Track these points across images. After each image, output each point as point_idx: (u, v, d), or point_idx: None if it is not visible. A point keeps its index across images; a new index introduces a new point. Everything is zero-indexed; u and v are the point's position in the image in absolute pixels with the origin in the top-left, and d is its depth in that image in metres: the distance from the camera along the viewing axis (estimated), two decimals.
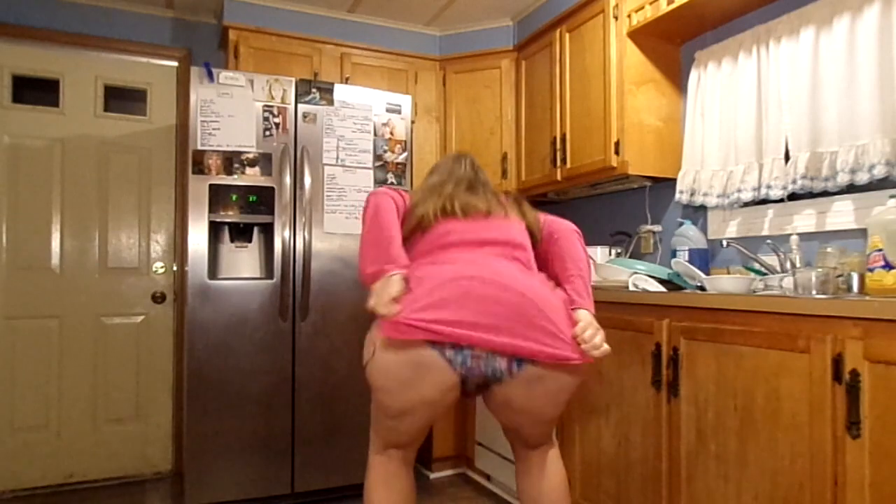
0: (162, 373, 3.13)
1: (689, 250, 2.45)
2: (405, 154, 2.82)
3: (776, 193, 2.18)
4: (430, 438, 3.00)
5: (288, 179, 2.59)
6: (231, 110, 2.53)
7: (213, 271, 2.53)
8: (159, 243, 3.15)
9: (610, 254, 2.90)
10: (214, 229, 2.55)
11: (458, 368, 1.46)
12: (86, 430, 2.98)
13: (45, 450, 2.90)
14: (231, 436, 2.48)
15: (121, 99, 3.12)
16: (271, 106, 2.60)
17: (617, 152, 2.55)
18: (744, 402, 1.60)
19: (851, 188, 2.00)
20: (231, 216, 2.53)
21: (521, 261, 1.61)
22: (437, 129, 3.39)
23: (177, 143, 3.18)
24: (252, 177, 2.55)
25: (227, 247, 2.62)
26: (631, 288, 2.22)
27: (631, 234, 2.91)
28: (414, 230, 1.65)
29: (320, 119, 2.67)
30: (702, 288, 2.16)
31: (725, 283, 2.01)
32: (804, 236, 2.16)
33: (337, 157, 2.69)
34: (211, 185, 2.49)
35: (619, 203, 3.06)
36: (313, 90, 2.67)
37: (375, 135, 2.77)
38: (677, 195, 2.53)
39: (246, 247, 2.65)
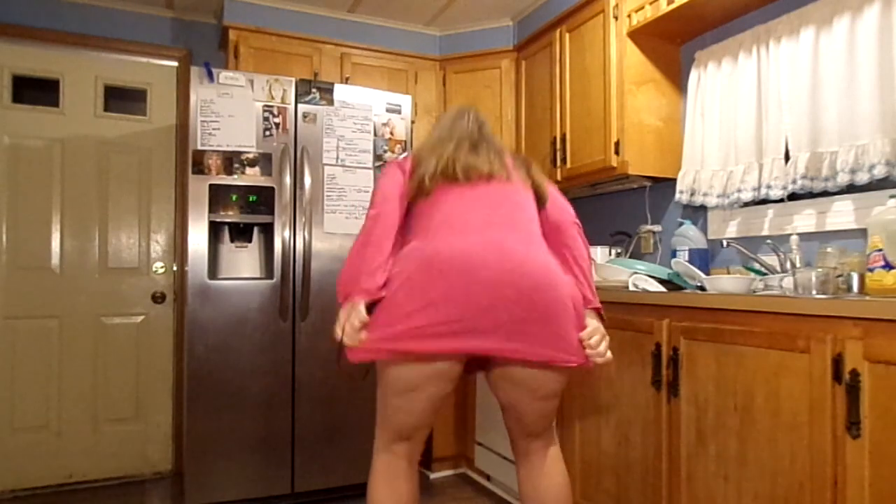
0: (162, 373, 3.13)
1: (689, 250, 2.45)
2: (405, 154, 2.82)
3: (776, 193, 2.18)
4: (431, 438, 3.00)
5: (288, 179, 2.59)
6: (231, 110, 2.53)
7: (213, 271, 2.53)
8: (159, 243, 3.15)
9: (610, 254, 2.90)
10: (214, 229, 2.55)
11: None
12: (86, 430, 2.98)
13: (45, 450, 2.90)
14: (231, 436, 2.48)
15: (121, 99, 3.12)
16: (271, 106, 2.60)
17: (617, 152, 2.55)
18: (744, 402, 1.60)
19: (851, 188, 2.00)
20: (231, 216, 2.53)
21: (525, 232, 1.54)
22: None
23: (177, 143, 3.18)
24: (252, 177, 2.55)
25: (227, 247, 2.62)
26: (631, 288, 2.22)
27: (631, 234, 2.91)
28: (416, 195, 1.60)
29: (320, 119, 2.67)
30: (702, 288, 2.16)
31: (725, 283, 2.01)
32: (804, 236, 2.16)
33: (337, 157, 2.70)
34: (211, 185, 2.49)
35: (619, 203, 3.06)
36: (313, 90, 2.67)
37: (375, 135, 2.77)
38: (677, 195, 2.53)
39: (246, 247, 2.65)
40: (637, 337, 1.95)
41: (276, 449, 2.56)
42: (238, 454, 2.49)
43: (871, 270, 1.70)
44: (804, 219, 2.18)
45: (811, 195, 2.16)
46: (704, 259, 2.47)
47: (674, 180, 2.59)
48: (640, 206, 2.92)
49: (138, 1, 3.09)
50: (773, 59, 2.22)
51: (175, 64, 3.20)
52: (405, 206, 1.62)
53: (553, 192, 1.71)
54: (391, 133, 2.79)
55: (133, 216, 3.11)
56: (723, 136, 2.41)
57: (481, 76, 3.33)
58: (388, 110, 2.79)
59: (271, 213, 2.58)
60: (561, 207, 1.69)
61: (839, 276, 1.86)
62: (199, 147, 2.48)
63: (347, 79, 3.19)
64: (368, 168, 2.74)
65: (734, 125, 2.36)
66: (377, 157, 2.76)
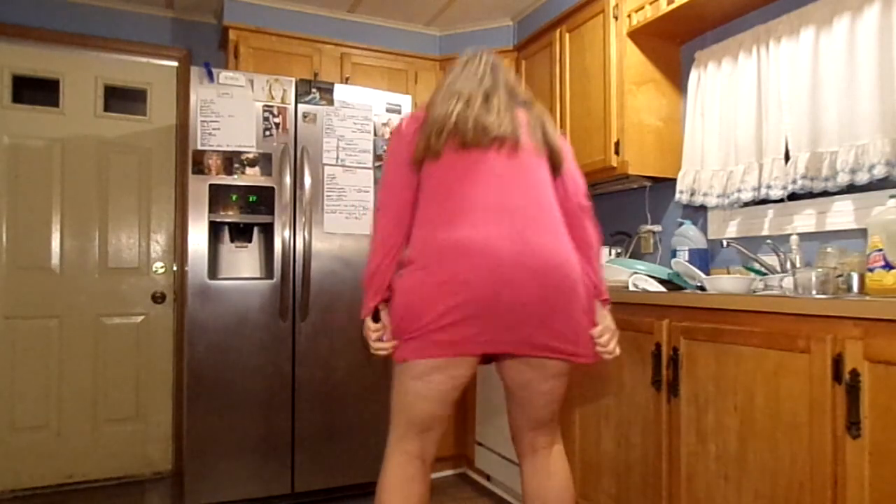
0: (162, 373, 3.13)
1: (689, 250, 2.45)
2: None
3: (776, 193, 2.18)
4: None
5: (288, 179, 2.59)
6: (231, 110, 2.53)
7: (213, 271, 2.53)
8: (159, 243, 3.15)
9: (610, 254, 2.90)
10: (214, 229, 2.55)
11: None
12: (86, 430, 2.98)
13: (45, 450, 2.90)
14: (231, 436, 2.48)
15: (121, 99, 3.12)
16: (271, 106, 2.60)
17: (617, 152, 2.55)
18: (744, 402, 1.60)
19: (851, 188, 2.00)
20: (231, 216, 2.53)
21: (546, 221, 1.47)
22: None
23: (177, 143, 3.18)
24: (252, 177, 2.55)
25: (227, 247, 2.62)
26: (631, 288, 2.22)
27: (631, 234, 2.91)
28: (425, 153, 1.51)
29: (320, 119, 2.67)
30: (702, 288, 2.16)
31: (725, 283, 2.01)
32: (804, 236, 2.16)
33: (337, 157, 2.70)
34: (211, 185, 2.49)
35: (619, 203, 3.06)
36: (313, 90, 2.67)
37: (375, 135, 2.77)
38: (677, 195, 2.53)
39: (246, 247, 2.65)
40: (637, 337, 1.95)
41: (276, 449, 2.56)
42: (238, 454, 2.49)
43: (871, 270, 1.70)
44: (804, 219, 2.18)
45: (811, 195, 2.16)
46: (704, 259, 2.47)
47: (674, 180, 2.59)
48: (640, 206, 2.92)
49: (138, 1, 3.09)
50: (773, 59, 2.22)
51: (175, 64, 3.20)
52: (414, 175, 1.54)
53: (568, 161, 1.61)
54: (391, 133, 2.79)
55: (133, 216, 3.11)
56: (723, 136, 2.41)
57: None
58: (388, 110, 2.79)
59: (271, 213, 2.58)
60: (574, 183, 1.61)
61: (839, 276, 1.86)
62: (199, 147, 2.48)
63: (347, 79, 3.19)
64: (368, 168, 2.74)
65: (734, 125, 2.36)
66: (377, 157, 2.76)
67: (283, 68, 3.06)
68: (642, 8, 2.50)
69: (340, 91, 2.72)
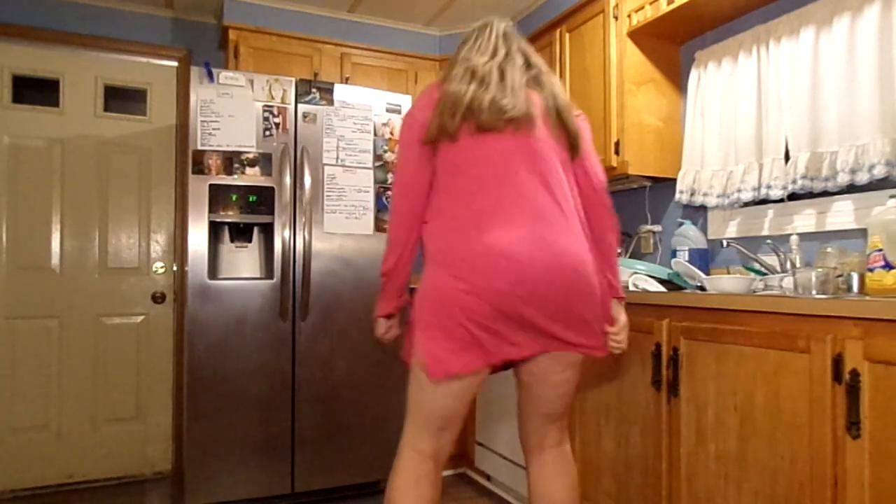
0: (162, 373, 3.13)
1: (689, 250, 2.45)
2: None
3: (776, 193, 2.18)
4: None
5: (288, 179, 2.59)
6: (231, 110, 2.53)
7: (213, 271, 2.53)
8: (159, 243, 3.15)
9: None
10: (214, 229, 2.55)
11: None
12: (86, 430, 2.98)
13: (45, 450, 2.90)
14: (231, 436, 2.48)
15: (121, 99, 3.12)
16: (271, 106, 2.60)
17: (617, 152, 2.55)
18: (744, 402, 1.60)
19: (851, 188, 2.00)
20: (231, 216, 2.53)
21: (565, 220, 1.47)
22: None
23: (177, 143, 3.18)
24: (252, 177, 2.55)
25: (227, 247, 2.62)
26: (631, 288, 2.22)
27: (631, 234, 2.91)
28: (438, 135, 1.47)
29: (320, 119, 2.67)
30: (702, 288, 2.16)
31: (725, 283, 2.01)
32: (804, 236, 2.16)
33: (337, 157, 2.69)
34: (211, 185, 2.49)
35: (619, 203, 3.05)
36: (313, 90, 2.67)
37: (375, 135, 2.77)
38: (677, 195, 2.53)
39: (246, 247, 2.65)
40: (637, 337, 1.95)
41: (276, 449, 2.56)
42: (238, 454, 2.49)
43: (871, 270, 1.70)
44: (804, 219, 2.18)
45: (811, 195, 2.16)
46: (704, 259, 2.47)
47: (674, 180, 2.59)
48: (640, 206, 2.92)
49: (138, 1, 3.09)
50: (773, 59, 2.22)
51: (175, 64, 3.20)
52: (430, 155, 1.50)
53: (586, 141, 1.58)
54: (391, 133, 2.79)
55: (133, 216, 3.11)
56: (723, 136, 2.41)
57: None
58: (388, 110, 2.79)
59: (271, 213, 2.58)
60: (592, 167, 1.58)
61: (839, 276, 1.86)
62: (199, 147, 2.48)
63: (347, 79, 3.19)
64: (368, 168, 2.74)
65: (734, 125, 2.36)
66: (377, 157, 2.76)
67: (283, 68, 3.06)
68: (642, 8, 2.50)
69: (340, 91, 2.72)
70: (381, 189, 2.76)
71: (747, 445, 1.59)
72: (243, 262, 2.64)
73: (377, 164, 2.76)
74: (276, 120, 2.60)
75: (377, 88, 3.01)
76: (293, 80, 2.64)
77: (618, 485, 2.04)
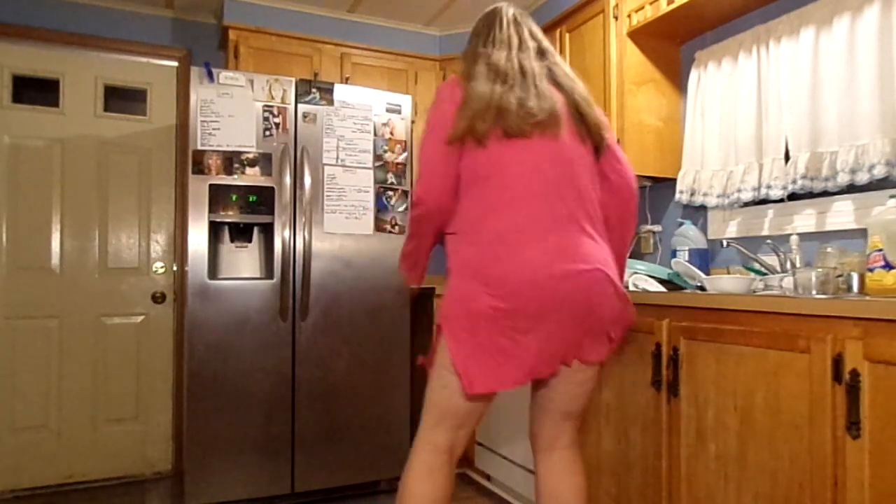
0: (162, 373, 3.13)
1: (689, 250, 2.45)
2: (405, 154, 2.82)
3: (776, 193, 2.18)
4: None
5: (288, 179, 2.59)
6: (231, 110, 2.53)
7: (213, 271, 2.53)
8: (159, 243, 3.15)
9: None
10: (214, 229, 2.55)
11: None
12: (86, 430, 2.98)
13: (45, 450, 2.90)
14: (231, 436, 2.48)
15: (121, 99, 3.12)
16: (271, 106, 2.60)
17: None
18: (744, 402, 1.60)
19: (851, 188, 2.00)
20: (231, 216, 2.53)
21: (593, 231, 1.49)
22: None
23: (177, 143, 3.18)
24: (252, 177, 2.55)
25: (227, 247, 2.62)
26: (631, 288, 2.22)
27: None
28: (465, 135, 1.45)
29: (320, 119, 2.67)
30: (702, 288, 2.16)
31: (725, 283, 2.01)
32: (804, 236, 2.16)
33: (337, 157, 2.69)
34: (211, 185, 2.49)
35: None
36: (313, 90, 2.67)
37: (375, 135, 2.77)
38: (677, 195, 2.53)
39: (246, 247, 2.65)
40: (637, 337, 1.95)
41: (277, 449, 2.56)
42: (238, 454, 2.49)
43: (871, 270, 1.70)
44: (804, 219, 2.18)
45: (811, 195, 2.16)
46: (704, 259, 2.47)
47: (674, 180, 2.59)
48: (640, 206, 2.91)
49: (138, 1, 3.09)
50: (773, 59, 2.22)
51: (175, 64, 3.20)
52: (455, 156, 1.48)
53: (610, 136, 1.57)
54: (391, 133, 2.79)
55: (133, 216, 3.11)
56: (723, 136, 2.41)
57: None
58: (388, 110, 2.79)
59: (271, 213, 2.58)
60: (621, 165, 1.58)
61: (839, 276, 1.86)
62: (199, 147, 2.48)
63: (347, 79, 3.19)
64: (368, 168, 2.74)
65: (734, 125, 2.36)
66: (377, 157, 2.76)
67: (283, 68, 3.06)
68: (642, 8, 2.50)
69: (340, 91, 2.72)
70: (381, 189, 2.76)
71: (747, 445, 1.59)
72: (243, 262, 2.64)
73: (377, 164, 2.76)
74: (276, 120, 2.60)
75: (377, 88, 3.01)
76: (293, 80, 2.64)
77: (618, 484, 2.04)
